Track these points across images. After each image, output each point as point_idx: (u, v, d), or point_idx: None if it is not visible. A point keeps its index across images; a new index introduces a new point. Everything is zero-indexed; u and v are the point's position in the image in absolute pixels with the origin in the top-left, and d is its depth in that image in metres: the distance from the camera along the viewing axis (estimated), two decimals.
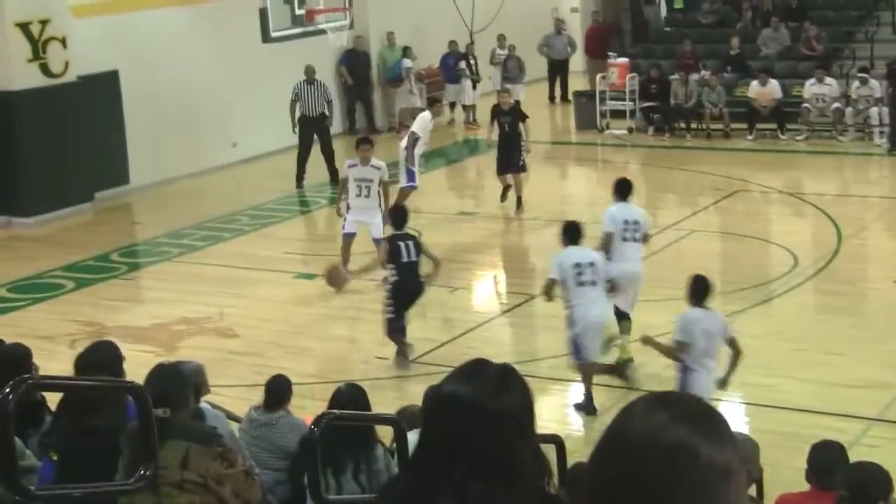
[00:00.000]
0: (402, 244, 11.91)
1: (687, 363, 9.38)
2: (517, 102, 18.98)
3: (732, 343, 9.42)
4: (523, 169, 17.52)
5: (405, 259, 11.83)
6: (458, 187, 20.85)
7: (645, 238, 11.72)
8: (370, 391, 7.60)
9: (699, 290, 9.32)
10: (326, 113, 19.95)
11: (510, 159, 17.44)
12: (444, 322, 13.44)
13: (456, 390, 2.58)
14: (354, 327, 13.73)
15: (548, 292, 10.88)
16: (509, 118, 17.50)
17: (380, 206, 14.30)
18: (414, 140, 16.94)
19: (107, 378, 5.61)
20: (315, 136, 19.75)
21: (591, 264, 10.64)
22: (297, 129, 19.79)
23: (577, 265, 10.57)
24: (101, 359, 5.84)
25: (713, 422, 1.97)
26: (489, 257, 16.48)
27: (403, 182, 16.84)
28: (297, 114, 19.78)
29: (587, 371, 10.77)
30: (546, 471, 2.66)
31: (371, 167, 14.23)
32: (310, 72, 19.85)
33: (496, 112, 17.76)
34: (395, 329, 11.98)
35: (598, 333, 10.73)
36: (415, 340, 12.25)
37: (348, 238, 14.32)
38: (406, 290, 11.89)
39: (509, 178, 17.51)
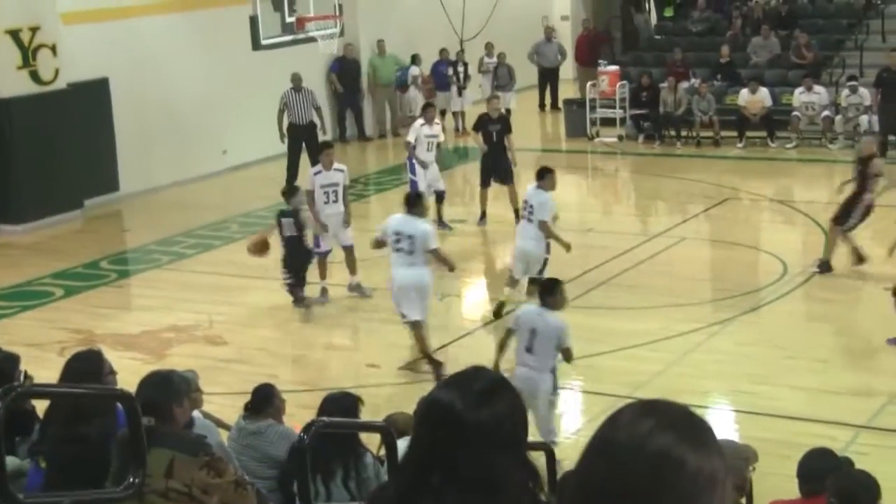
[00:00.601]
0: (283, 220, 13.53)
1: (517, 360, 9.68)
2: (508, 111, 18.83)
3: (566, 352, 9.65)
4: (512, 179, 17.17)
5: (286, 234, 13.47)
6: (448, 195, 20.77)
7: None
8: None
9: (546, 291, 9.83)
10: (315, 120, 19.94)
11: (500, 170, 17.10)
12: (433, 330, 13.40)
13: (439, 397, 2.58)
14: (343, 335, 13.73)
15: (375, 245, 12.08)
16: (498, 126, 17.19)
17: (346, 211, 14.22)
18: (412, 148, 16.96)
19: (97, 386, 5.60)
20: (304, 144, 19.73)
21: (410, 237, 11.53)
22: (284, 139, 19.78)
23: (398, 233, 11.58)
24: (88, 367, 5.82)
25: (699, 430, 1.97)
26: (479, 265, 16.48)
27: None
28: (286, 122, 19.79)
29: (415, 332, 11.75)
30: (537, 482, 2.64)
31: (335, 170, 14.30)
32: (296, 79, 19.85)
33: (484, 120, 17.34)
34: (297, 295, 13.67)
35: (409, 294, 11.63)
36: (404, 348, 12.28)
37: (323, 256, 14.09)
38: (293, 260, 13.55)
39: (490, 196, 17.20)
